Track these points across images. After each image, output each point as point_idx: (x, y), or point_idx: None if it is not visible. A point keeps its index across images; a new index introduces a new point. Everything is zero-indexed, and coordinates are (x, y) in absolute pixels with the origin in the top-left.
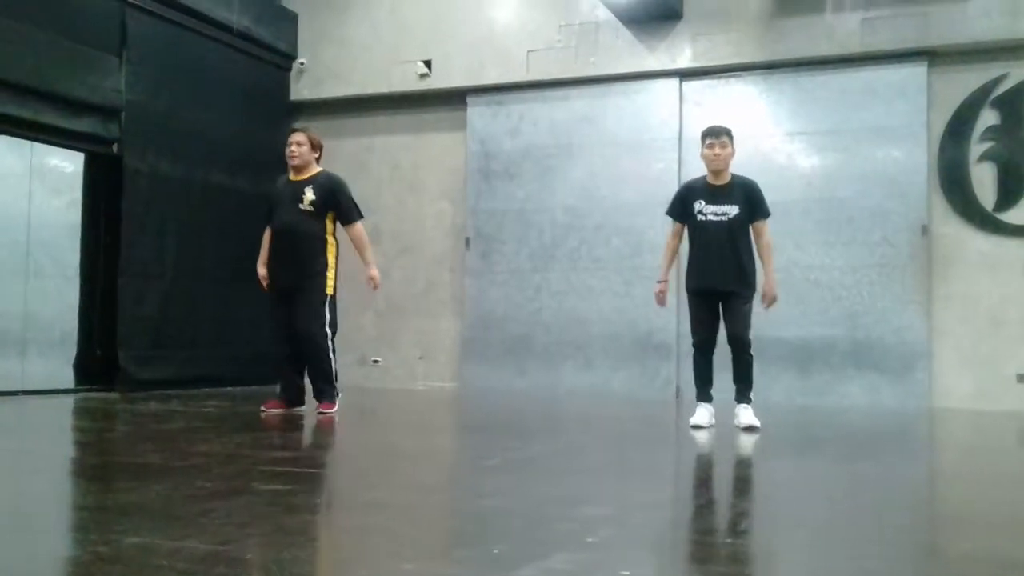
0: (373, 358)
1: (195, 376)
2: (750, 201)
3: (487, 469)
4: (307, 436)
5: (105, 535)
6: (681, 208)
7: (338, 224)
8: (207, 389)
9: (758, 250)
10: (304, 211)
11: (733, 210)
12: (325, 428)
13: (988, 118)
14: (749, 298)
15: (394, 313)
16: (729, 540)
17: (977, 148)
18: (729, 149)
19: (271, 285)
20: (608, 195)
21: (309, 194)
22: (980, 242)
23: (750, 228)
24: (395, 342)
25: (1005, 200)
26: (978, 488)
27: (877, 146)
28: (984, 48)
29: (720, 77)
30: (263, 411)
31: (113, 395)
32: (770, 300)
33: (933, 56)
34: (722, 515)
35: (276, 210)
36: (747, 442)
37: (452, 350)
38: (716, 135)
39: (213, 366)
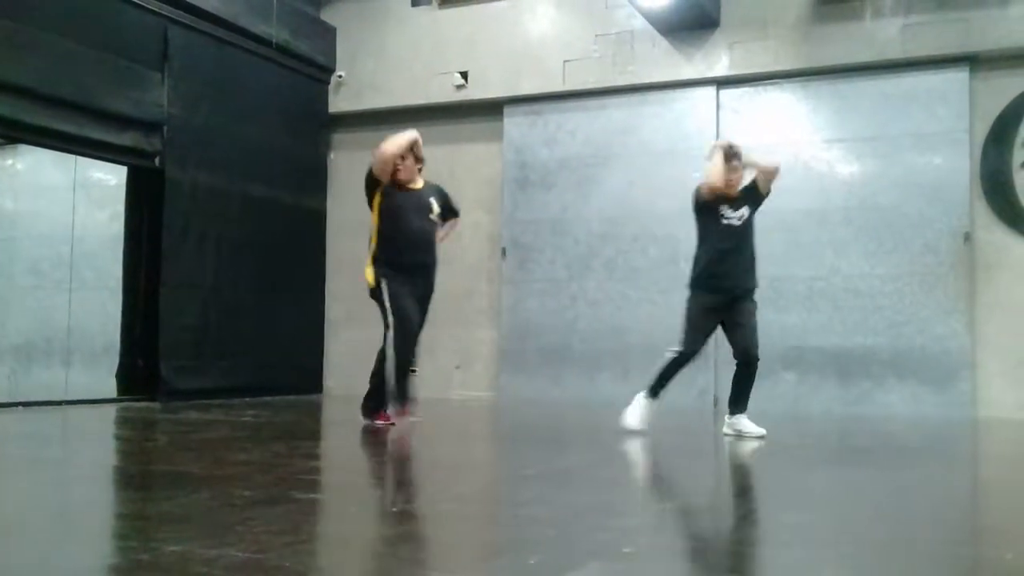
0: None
1: (235, 386)
2: (751, 195)
3: (524, 479)
4: (345, 445)
5: (145, 543)
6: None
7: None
8: (247, 399)
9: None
10: (433, 220)
11: (746, 211)
12: (368, 437)
13: None
14: (755, 307)
15: (431, 323)
16: (767, 551)
17: (1020, 154)
18: (740, 173)
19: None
20: (645, 204)
21: (435, 204)
22: None
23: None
24: (432, 351)
25: None
26: (1022, 499)
27: (918, 153)
28: None
29: (758, 85)
30: (380, 423)
31: (154, 405)
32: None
33: (974, 61)
34: (760, 526)
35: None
36: (786, 453)
37: (489, 360)
38: (739, 158)
39: (253, 376)
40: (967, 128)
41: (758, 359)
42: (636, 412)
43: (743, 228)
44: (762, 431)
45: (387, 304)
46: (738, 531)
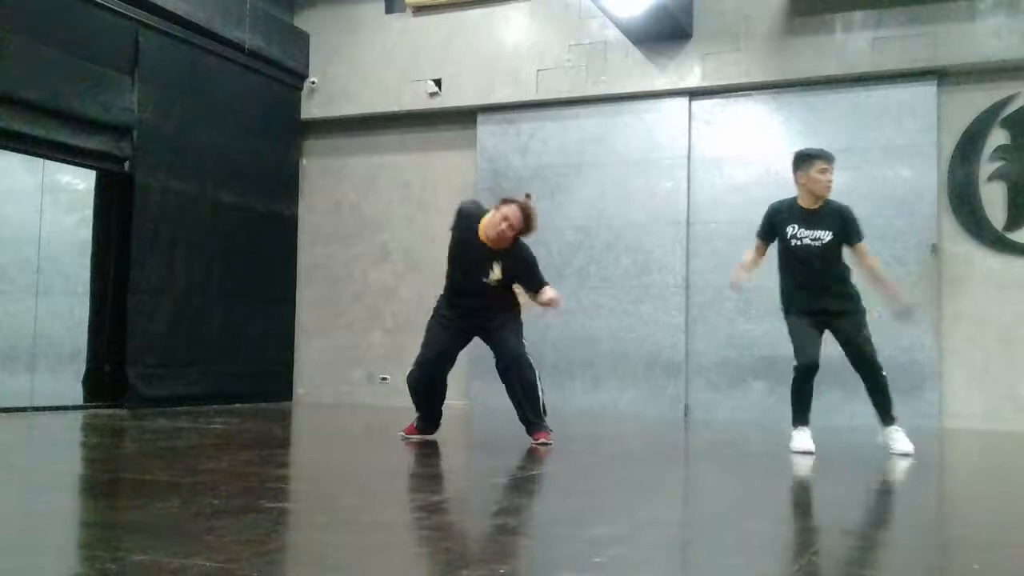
0: (381, 375)
1: (204, 393)
2: (845, 226)
3: (495, 488)
4: (315, 454)
5: (112, 552)
6: (769, 229)
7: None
8: (215, 406)
9: (868, 270)
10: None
11: (827, 235)
12: (334, 446)
13: (998, 137)
14: (861, 319)
15: (403, 330)
16: (736, 561)
17: (987, 167)
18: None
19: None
20: (617, 214)
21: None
22: (990, 261)
23: (842, 252)
24: (404, 360)
25: (1015, 219)
26: (988, 510)
27: (887, 165)
28: (994, 68)
29: (730, 96)
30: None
31: (122, 412)
32: (905, 307)
33: (943, 75)
34: (730, 535)
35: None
36: (755, 462)
37: (460, 368)
38: (831, 160)
39: (222, 383)
40: (935, 141)
41: (874, 364)
42: (801, 440)
43: (817, 250)
44: (910, 447)
45: None
46: (707, 540)
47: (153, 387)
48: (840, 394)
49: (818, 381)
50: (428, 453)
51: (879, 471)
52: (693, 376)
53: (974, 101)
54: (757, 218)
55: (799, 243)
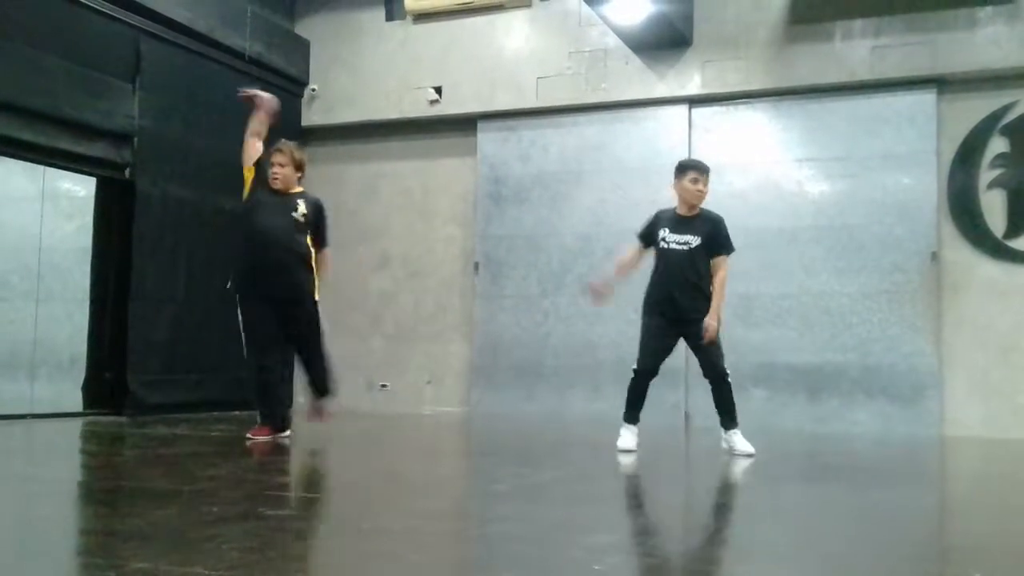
0: (381, 383)
1: (204, 400)
2: (712, 235)
3: (495, 495)
4: (315, 461)
5: (112, 560)
6: (648, 234)
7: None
8: (215, 413)
9: (715, 283)
10: (296, 221)
11: (696, 240)
12: (333, 453)
13: (997, 145)
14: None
15: (403, 337)
16: (737, 569)
17: (987, 175)
18: (708, 188)
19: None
20: (617, 221)
21: (302, 207)
22: (990, 269)
23: (708, 261)
24: (403, 366)
25: (1015, 227)
26: (989, 518)
27: (887, 173)
28: (993, 76)
29: (729, 104)
30: (249, 439)
31: (121, 419)
32: (709, 332)
33: (942, 83)
34: (731, 543)
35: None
36: (756, 470)
37: (460, 375)
38: (704, 172)
39: (222, 390)
40: (935, 149)
41: (720, 372)
42: (625, 438)
43: (682, 254)
44: (751, 449)
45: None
46: (706, 548)
47: (153, 394)
48: (838, 402)
49: (818, 389)
50: (428, 460)
51: (877, 478)
52: (693, 383)
53: (974, 109)
54: (757, 225)
55: (667, 246)
